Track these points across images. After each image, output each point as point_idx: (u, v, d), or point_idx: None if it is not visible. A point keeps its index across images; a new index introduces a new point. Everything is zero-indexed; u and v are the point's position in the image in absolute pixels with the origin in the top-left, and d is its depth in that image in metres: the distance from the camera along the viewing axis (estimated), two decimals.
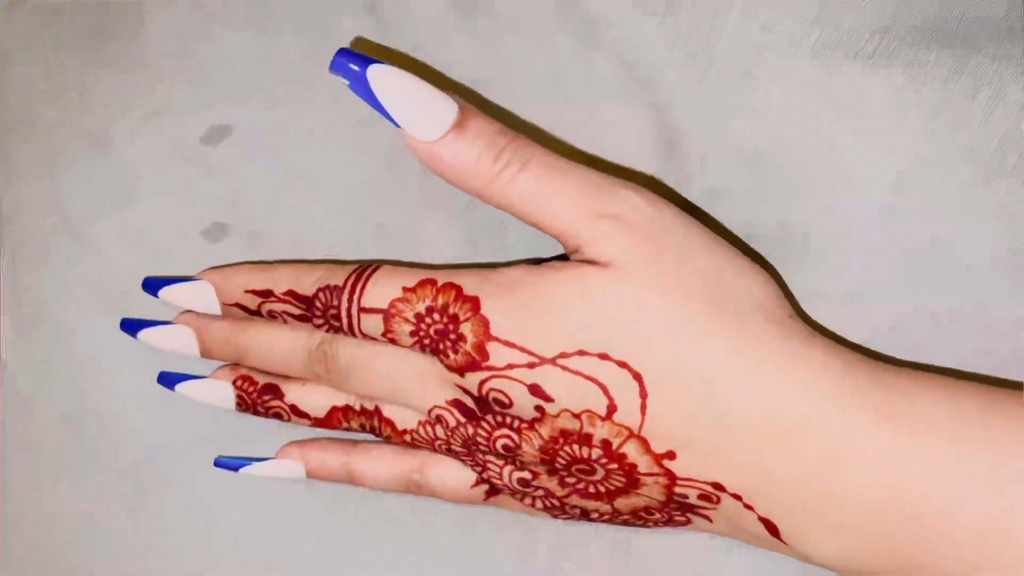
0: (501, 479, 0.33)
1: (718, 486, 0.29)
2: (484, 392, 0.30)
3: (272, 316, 0.33)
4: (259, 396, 0.35)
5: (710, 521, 0.31)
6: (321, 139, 0.36)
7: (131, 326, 0.36)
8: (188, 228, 0.37)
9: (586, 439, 0.30)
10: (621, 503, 0.31)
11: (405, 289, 0.31)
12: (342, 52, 0.29)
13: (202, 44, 0.37)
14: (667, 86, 0.33)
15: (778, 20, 0.33)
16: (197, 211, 0.37)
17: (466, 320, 0.30)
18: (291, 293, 0.32)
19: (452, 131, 0.29)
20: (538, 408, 0.30)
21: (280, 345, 0.34)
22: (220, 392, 0.35)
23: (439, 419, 0.32)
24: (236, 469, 0.36)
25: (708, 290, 0.29)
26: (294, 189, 0.36)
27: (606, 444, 0.30)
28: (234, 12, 0.37)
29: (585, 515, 0.33)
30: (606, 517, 0.32)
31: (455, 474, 0.34)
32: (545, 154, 0.29)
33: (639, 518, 0.32)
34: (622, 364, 0.29)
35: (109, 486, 0.37)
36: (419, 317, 0.31)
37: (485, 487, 0.34)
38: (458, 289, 0.30)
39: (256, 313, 0.33)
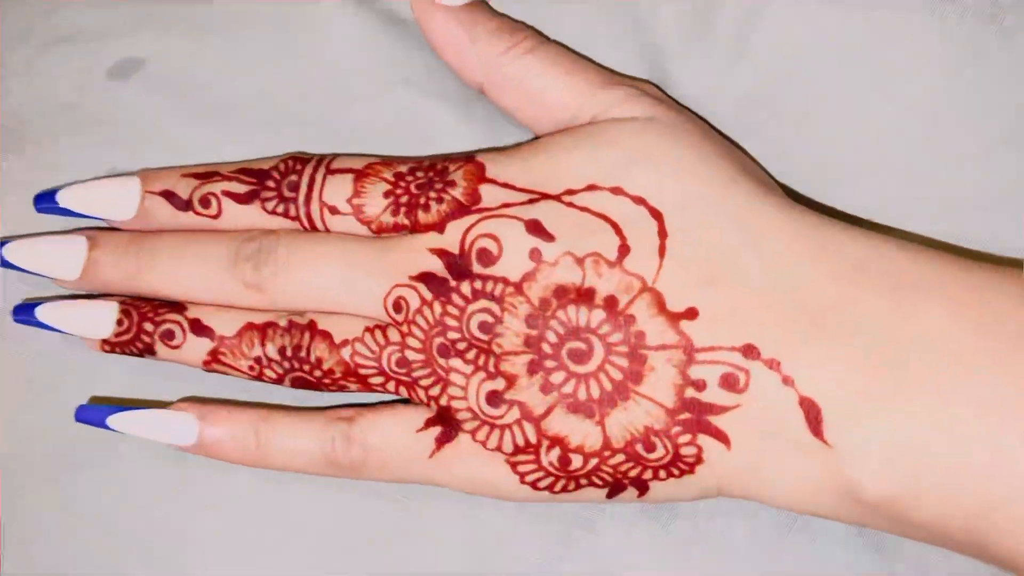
0: (466, 398, 0.25)
1: (750, 349, 0.24)
2: (468, 243, 0.25)
3: (206, 204, 0.27)
4: (154, 311, 0.27)
5: (728, 445, 0.24)
6: (252, 79, 0.30)
7: None
8: (82, 176, 0.30)
9: (587, 297, 0.24)
10: (616, 424, 0.24)
11: (386, 158, 0.27)
12: None
13: None
14: (663, 27, 0.30)
15: None
16: (94, 157, 0.30)
17: (457, 168, 0.26)
18: (244, 170, 0.28)
19: (472, 3, 0.28)
20: (534, 254, 0.25)
21: (196, 246, 0.27)
22: (101, 310, 0.27)
23: (398, 305, 0.25)
24: (101, 422, 0.27)
25: (733, 156, 0.27)
26: (212, 132, 0.30)
27: (611, 303, 0.24)
28: None
29: (564, 465, 0.25)
30: (592, 462, 0.25)
31: (398, 417, 0.26)
32: (559, 45, 0.29)
33: (635, 459, 0.25)
34: (639, 200, 0.25)
35: None
36: (399, 176, 0.27)
37: (437, 430, 0.26)
38: (449, 154, 0.27)
39: (186, 206, 0.27)
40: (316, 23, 0.30)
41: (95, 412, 0.27)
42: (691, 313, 0.24)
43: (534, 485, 0.25)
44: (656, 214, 0.25)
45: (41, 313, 0.27)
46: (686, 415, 0.24)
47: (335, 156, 0.28)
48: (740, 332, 0.24)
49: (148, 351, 0.27)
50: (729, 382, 0.24)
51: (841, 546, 0.27)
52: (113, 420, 0.27)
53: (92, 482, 0.28)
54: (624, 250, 0.25)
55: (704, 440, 0.24)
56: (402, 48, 0.30)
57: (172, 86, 0.30)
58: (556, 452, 0.25)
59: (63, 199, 0.28)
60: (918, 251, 0.24)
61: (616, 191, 0.25)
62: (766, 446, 0.24)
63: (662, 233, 0.25)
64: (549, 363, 0.25)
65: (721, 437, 0.24)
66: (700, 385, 0.24)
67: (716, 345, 0.24)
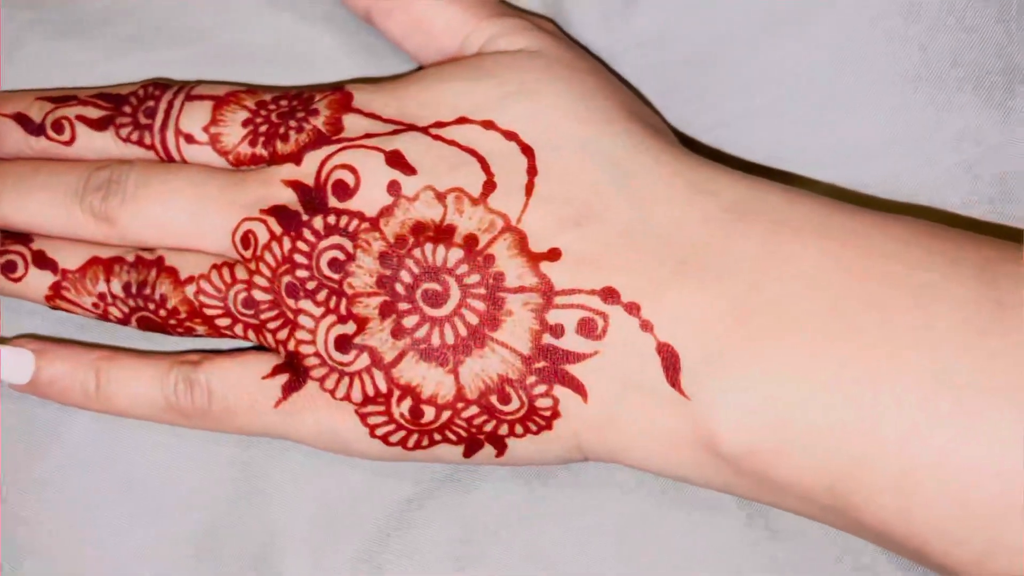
0: (314, 342, 0.23)
1: (609, 292, 0.22)
2: (324, 175, 0.23)
3: (58, 129, 0.25)
4: None
5: (584, 397, 0.22)
6: None
7: None
8: None
9: (446, 234, 0.23)
10: (470, 372, 0.22)
11: (252, 88, 0.25)
12: None
13: None
14: None
15: None
16: None
17: (323, 98, 0.24)
18: (101, 95, 0.26)
19: None
20: (393, 187, 0.23)
21: (45, 174, 0.25)
22: None
23: (246, 239, 0.24)
24: None
25: (619, 96, 0.25)
26: (79, 50, 0.28)
27: (470, 242, 0.22)
28: None
29: (416, 417, 0.23)
30: (445, 415, 0.23)
31: (244, 364, 0.24)
32: None
33: (490, 412, 0.23)
34: (510, 135, 0.23)
35: None
36: (261, 104, 0.25)
37: (284, 378, 0.24)
38: (319, 88, 0.25)
39: (38, 131, 0.25)
40: None
41: None
42: (553, 254, 0.22)
43: (385, 439, 0.23)
44: (527, 150, 0.23)
45: None
46: (542, 363, 0.22)
47: (198, 83, 0.26)
48: (602, 275, 0.22)
49: None
50: (587, 327, 0.22)
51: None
52: None
53: None
54: (489, 186, 0.23)
55: (560, 391, 0.22)
56: None
57: (37, 0, 0.28)
58: (408, 403, 0.23)
59: None
60: (799, 195, 0.23)
61: (487, 125, 0.23)
62: (625, 397, 0.22)
63: (531, 170, 0.23)
64: (402, 305, 0.23)
65: (577, 387, 0.22)
66: (557, 331, 0.22)
67: (575, 288, 0.22)
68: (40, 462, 0.26)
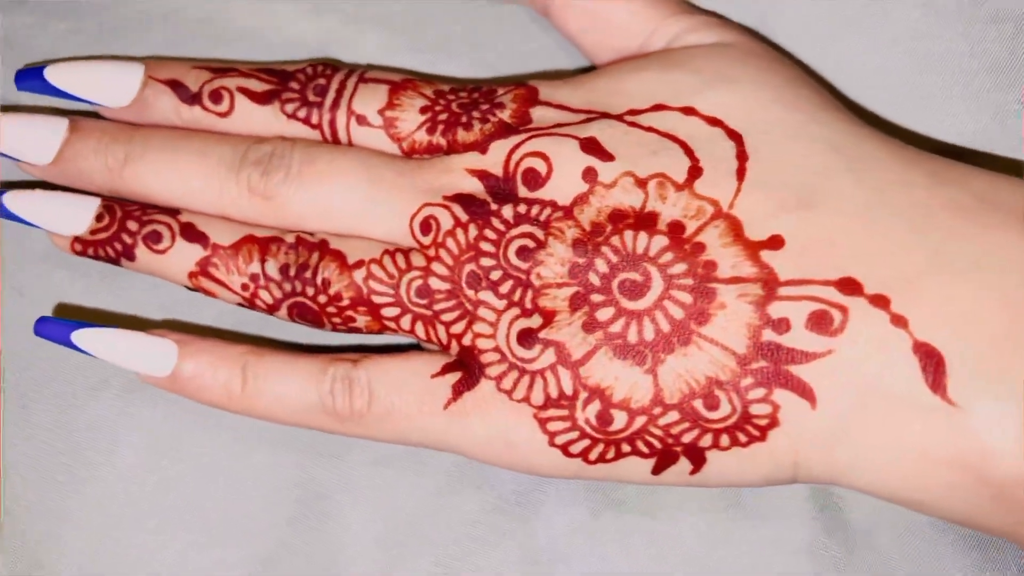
0: (495, 336, 0.21)
1: (849, 283, 0.19)
2: (514, 164, 0.22)
3: (216, 99, 0.24)
4: (140, 208, 0.23)
5: (812, 403, 0.19)
6: (154, 1, 0.27)
7: None
8: None
9: (647, 222, 0.21)
10: (671, 373, 0.20)
11: (428, 79, 0.24)
12: None
13: None
14: None
15: None
16: None
17: (507, 92, 0.23)
18: (265, 69, 0.24)
19: None
20: (588, 174, 0.21)
21: (197, 142, 0.23)
22: (79, 202, 0.23)
23: (426, 225, 0.22)
24: (65, 338, 0.23)
25: (820, 89, 0.23)
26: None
27: (676, 229, 0.20)
28: None
29: (604, 423, 0.20)
30: (638, 421, 0.20)
31: (408, 362, 0.22)
32: None
33: (692, 419, 0.20)
34: (714, 120, 0.21)
35: None
36: (440, 93, 0.23)
37: (456, 375, 0.22)
38: (497, 83, 0.24)
39: (193, 100, 0.24)
40: None
41: (58, 327, 0.23)
42: (775, 241, 0.20)
43: (565, 449, 0.21)
44: (734, 135, 0.21)
45: (9, 201, 0.24)
46: (761, 363, 0.20)
47: (370, 67, 0.25)
48: (836, 264, 0.20)
49: (126, 254, 0.23)
50: (820, 322, 0.19)
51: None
52: (79, 337, 0.23)
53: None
54: (695, 171, 0.21)
55: (782, 396, 0.20)
56: None
57: (75, 8, 0.27)
58: (595, 406, 0.21)
59: (51, 74, 0.24)
60: None
61: (687, 111, 0.22)
62: (864, 405, 0.19)
63: (741, 156, 0.21)
64: (596, 297, 0.21)
65: (805, 392, 0.20)
66: (781, 326, 0.20)
67: (806, 278, 0.20)
68: (92, 487, 0.24)
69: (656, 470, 0.21)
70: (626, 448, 0.21)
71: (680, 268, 0.20)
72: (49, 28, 0.27)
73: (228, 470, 0.24)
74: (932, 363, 0.19)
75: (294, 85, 0.24)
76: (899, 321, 0.19)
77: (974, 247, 0.19)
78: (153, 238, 0.23)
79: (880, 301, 0.19)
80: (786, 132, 0.21)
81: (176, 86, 0.24)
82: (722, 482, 0.21)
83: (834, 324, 0.19)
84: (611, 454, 0.21)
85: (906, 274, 0.19)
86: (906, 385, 0.19)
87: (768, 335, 0.20)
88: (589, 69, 0.26)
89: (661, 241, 0.21)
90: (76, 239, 0.23)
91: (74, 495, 0.24)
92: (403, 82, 0.24)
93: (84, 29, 0.27)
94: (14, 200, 0.24)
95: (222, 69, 0.24)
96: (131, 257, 0.23)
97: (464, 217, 0.22)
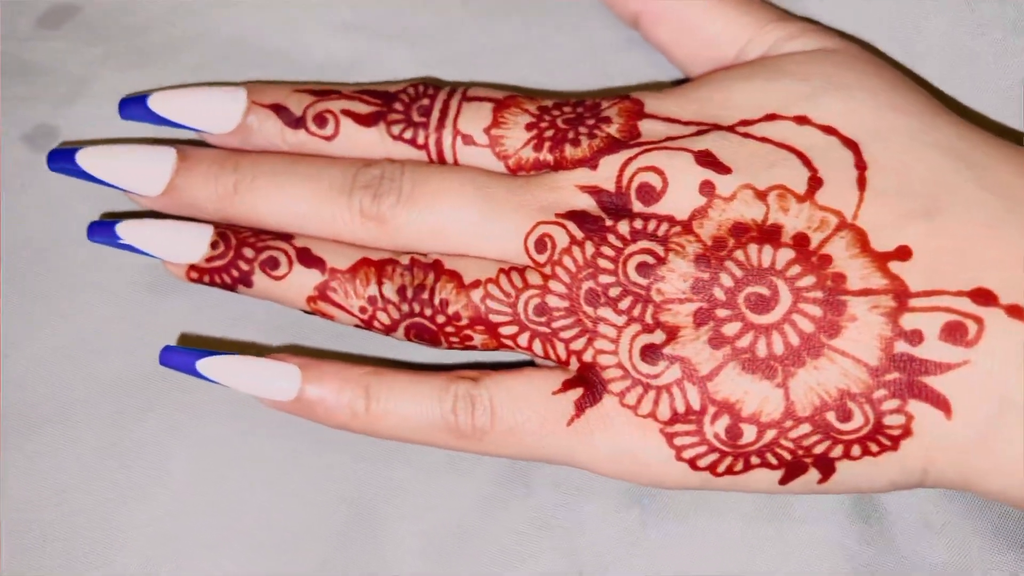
0: (616, 352, 0.21)
1: (983, 294, 0.19)
2: (627, 180, 0.22)
3: (321, 123, 0.24)
4: (254, 235, 0.24)
5: (948, 413, 0.19)
6: (191, 22, 0.27)
7: (64, 155, 0.24)
8: (8, 130, 0.27)
9: (771, 235, 0.21)
10: (802, 386, 0.20)
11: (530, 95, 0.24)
12: None
13: None
14: None
15: None
16: (21, 109, 0.27)
17: (612, 105, 0.23)
18: (367, 91, 0.24)
19: None
20: (706, 187, 0.21)
21: (305, 167, 0.24)
22: (193, 231, 0.24)
23: (541, 243, 0.22)
24: (191, 367, 0.23)
25: (930, 95, 0.23)
26: (149, 83, 0.27)
27: (801, 241, 0.20)
28: None
29: (734, 438, 0.21)
30: (769, 434, 0.20)
31: (529, 378, 0.22)
32: None
33: (824, 431, 0.20)
34: (828, 129, 0.21)
35: None
36: (544, 109, 0.23)
37: (577, 392, 0.22)
38: (601, 96, 0.24)
39: (298, 124, 0.24)
40: None
41: (183, 356, 0.23)
42: (903, 252, 0.20)
43: (693, 463, 0.21)
44: (850, 144, 0.21)
45: (123, 231, 0.24)
46: (894, 375, 0.20)
47: (472, 84, 0.25)
48: (968, 273, 0.20)
49: (243, 281, 0.23)
50: (955, 333, 0.19)
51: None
52: (204, 366, 0.23)
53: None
54: (816, 182, 0.21)
55: (916, 407, 0.20)
56: None
57: (107, 33, 0.28)
58: (724, 421, 0.21)
59: (155, 103, 0.24)
60: None
61: (801, 120, 0.22)
62: (1003, 415, 0.19)
63: (860, 165, 0.21)
64: (721, 312, 0.21)
65: (940, 403, 0.20)
66: (914, 337, 0.20)
67: (938, 288, 0.20)
68: (144, 506, 0.24)
69: (784, 480, 0.21)
70: (755, 460, 0.21)
71: (808, 281, 0.20)
72: (83, 53, 0.27)
73: (277, 483, 0.25)
74: None
75: (398, 106, 0.24)
76: None
77: None
78: (270, 264, 0.23)
79: (1017, 311, 0.19)
80: (902, 138, 0.21)
81: (279, 110, 0.24)
82: (848, 489, 0.21)
83: (969, 335, 0.19)
84: (739, 466, 0.21)
85: None
86: None
87: (901, 347, 0.20)
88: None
89: (787, 254, 0.21)
90: (192, 267, 0.24)
91: (125, 513, 0.24)
92: (507, 99, 0.24)
93: (117, 53, 0.27)
94: (128, 230, 0.24)
95: (324, 91, 0.24)
96: (248, 284, 0.23)
97: (580, 234, 0.22)
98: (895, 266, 0.20)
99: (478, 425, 0.22)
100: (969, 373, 0.19)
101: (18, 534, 0.24)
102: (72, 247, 0.26)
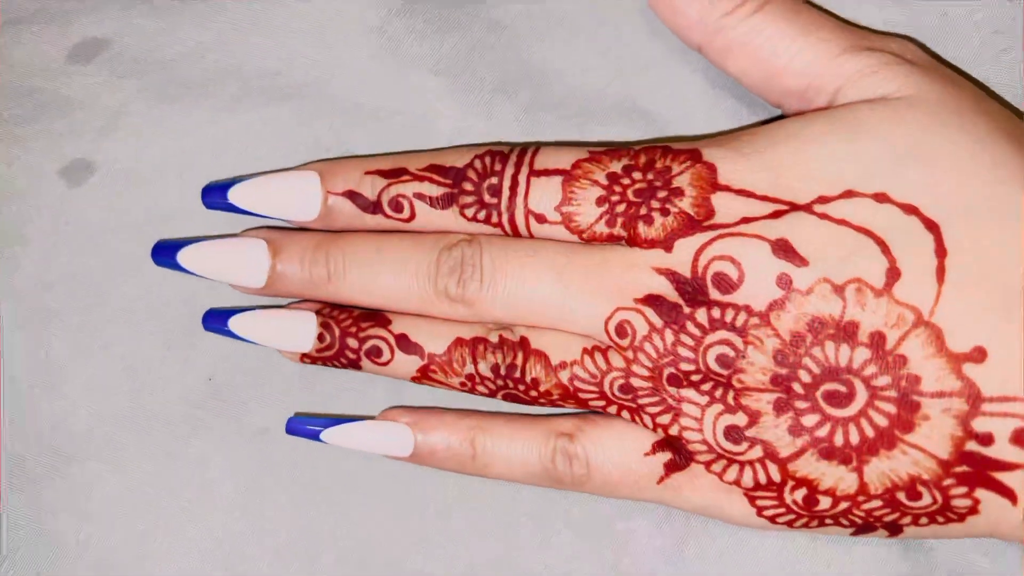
0: (701, 430, 0.23)
1: None
2: (702, 267, 0.22)
3: (397, 208, 0.25)
4: (355, 324, 0.25)
5: (1014, 502, 0.21)
6: (222, 55, 0.28)
7: (166, 251, 0.26)
8: (44, 165, 0.28)
9: (848, 333, 0.21)
10: (875, 472, 0.22)
11: (593, 152, 0.24)
12: None
13: None
14: None
15: None
16: (56, 144, 0.28)
17: (683, 171, 0.23)
18: (434, 167, 0.25)
19: None
20: (783, 280, 0.21)
21: (392, 253, 0.25)
22: (300, 323, 0.26)
23: (621, 329, 0.23)
24: (316, 435, 0.26)
25: (1016, 135, 0.22)
26: (182, 117, 0.28)
27: (877, 340, 0.21)
28: None
29: (810, 505, 0.23)
30: (842, 505, 0.22)
31: (622, 437, 0.24)
32: None
33: (894, 506, 0.22)
34: (909, 208, 0.21)
35: None
36: (613, 177, 0.23)
37: (666, 456, 0.24)
38: (667, 147, 0.23)
39: (374, 208, 0.25)
40: None
41: (307, 425, 0.26)
42: (978, 354, 0.20)
43: (772, 519, 0.23)
44: (932, 226, 0.21)
45: (235, 325, 0.26)
46: (964, 468, 0.21)
47: (537, 149, 0.24)
48: None
49: (353, 366, 0.26)
50: None
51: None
52: (328, 435, 0.26)
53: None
54: (894, 274, 0.21)
55: (984, 494, 0.21)
56: (390, 16, 0.27)
57: (138, 67, 0.28)
58: (802, 492, 0.23)
59: (236, 197, 0.25)
60: None
61: (881, 198, 0.21)
62: None
63: (940, 252, 0.21)
64: (800, 404, 0.22)
65: (1007, 493, 0.21)
66: (986, 439, 0.21)
67: (1010, 396, 0.20)
68: (191, 531, 0.27)
69: (855, 535, 0.23)
70: (829, 522, 0.23)
71: (884, 380, 0.21)
72: (115, 87, 0.28)
73: (325, 505, 0.27)
74: None
75: (468, 187, 0.24)
76: None
77: None
78: (374, 353, 0.25)
79: None
80: (986, 217, 0.21)
81: (355, 196, 0.25)
82: (919, 537, 0.23)
83: None
84: (815, 524, 0.23)
85: None
86: None
87: (971, 446, 0.21)
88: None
89: (864, 354, 0.21)
90: (304, 355, 0.26)
91: (173, 540, 0.27)
92: (574, 171, 0.23)
93: (149, 86, 0.28)
94: (240, 324, 0.26)
95: (395, 171, 0.25)
96: (359, 368, 0.25)
97: (659, 323, 0.23)
98: (969, 369, 0.20)
99: (576, 477, 0.25)
100: None
101: (69, 563, 0.27)
102: (113, 280, 0.27)
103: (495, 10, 0.27)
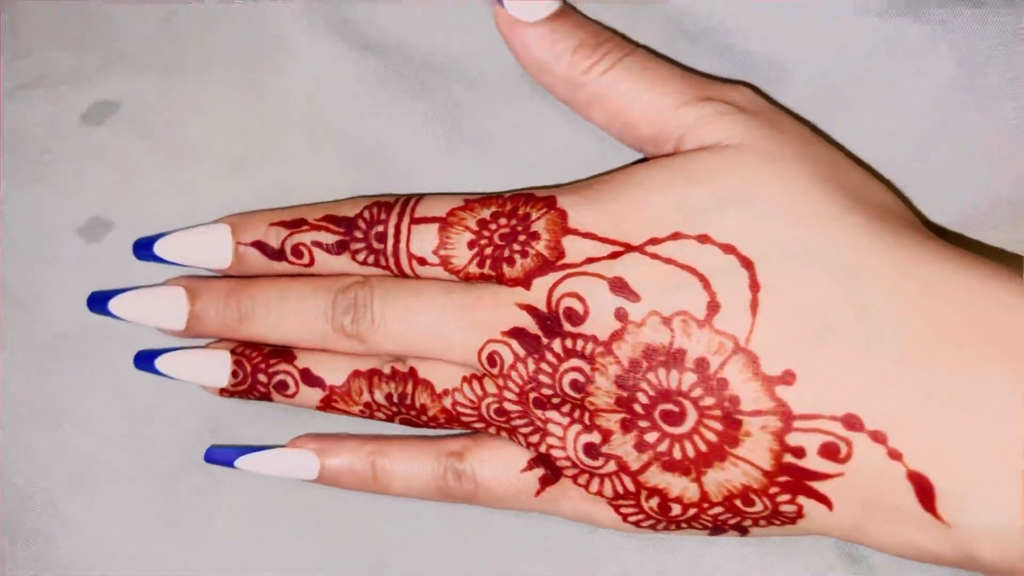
0: (564, 448, 0.26)
1: (852, 419, 0.22)
2: (556, 302, 0.25)
3: (298, 255, 0.28)
4: (264, 361, 0.29)
5: (829, 507, 0.23)
6: (224, 117, 0.30)
7: (100, 300, 0.29)
8: (61, 224, 0.30)
9: (677, 359, 0.24)
10: (713, 481, 0.24)
11: (467, 200, 0.27)
12: None
13: (85, 5, 0.31)
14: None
15: None
16: (72, 204, 0.30)
17: (540, 217, 0.25)
18: (329, 217, 0.28)
19: (554, 17, 0.26)
20: (620, 314, 0.24)
21: (294, 296, 0.28)
22: (215, 362, 0.29)
23: (492, 359, 0.26)
24: (231, 463, 0.29)
25: (836, 180, 0.24)
26: (190, 177, 0.30)
27: (701, 365, 0.23)
28: None
29: (665, 511, 0.25)
30: (691, 511, 0.25)
31: (502, 455, 0.27)
32: (645, 53, 0.26)
33: (734, 511, 0.24)
34: (727, 247, 0.23)
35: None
36: (482, 223, 0.26)
37: (540, 472, 0.27)
38: (529, 194, 0.26)
39: (278, 256, 0.28)
40: (286, 56, 0.30)
41: (224, 454, 0.29)
42: (788, 377, 0.23)
43: (637, 524, 0.26)
44: (747, 264, 0.23)
45: (161, 364, 0.29)
46: (785, 478, 0.23)
47: (419, 199, 0.27)
48: (841, 399, 0.22)
49: (265, 398, 0.29)
50: (830, 452, 0.23)
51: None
52: (241, 461, 0.29)
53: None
54: (714, 307, 0.23)
55: (805, 500, 0.24)
56: (377, 77, 0.29)
57: (147, 128, 0.30)
58: (656, 500, 0.25)
59: (160, 250, 0.29)
60: None
61: (703, 239, 0.24)
62: (874, 514, 0.23)
63: (754, 286, 0.23)
64: (642, 423, 0.24)
65: (823, 500, 0.23)
66: (799, 452, 0.23)
67: (815, 413, 0.23)
68: (192, 560, 0.30)
69: (711, 535, 0.26)
70: (684, 526, 0.25)
71: (709, 401, 0.24)
72: (127, 148, 0.30)
73: (322, 535, 0.30)
74: (924, 490, 0.22)
75: (358, 234, 0.27)
76: (895, 455, 0.22)
77: (961, 385, 0.22)
78: (281, 387, 0.28)
79: (879, 436, 0.22)
80: (796, 254, 0.23)
81: (261, 246, 0.28)
82: (765, 535, 0.25)
83: (841, 454, 0.23)
84: (673, 527, 0.26)
85: (901, 412, 0.22)
86: (905, 503, 0.22)
87: (788, 458, 0.23)
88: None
89: (691, 378, 0.24)
90: (222, 389, 0.29)
91: (177, 570, 0.30)
92: (448, 218, 0.26)
93: (159, 147, 0.30)
94: (164, 363, 0.29)
95: (294, 222, 0.28)
96: (270, 399, 0.29)
97: (522, 352, 0.25)
98: (781, 390, 0.23)
99: (466, 491, 0.28)
100: (843, 482, 0.23)
101: None
102: (124, 327, 0.30)
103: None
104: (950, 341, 0.22)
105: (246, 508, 0.30)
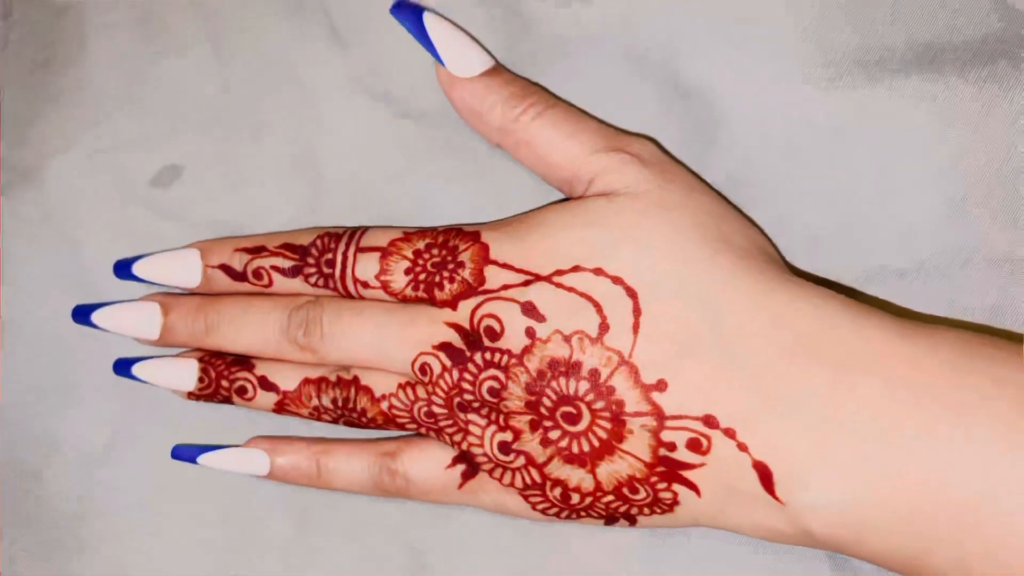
0: (482, 445, 0.30)
1: (710, 419, 0.27)
2: (477, 321, 0.29)
3: (258, 277, 0.32)
4: (227, 368, 0.33)
5: (698, 493, 0.28)
6: (281, 176, 0.35)
7: (83, 312, 0.34)
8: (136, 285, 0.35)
9: (575, 369, 0.28)
10: (604, 472, 0.29)
11: (406, 233, 0.31)
12: (398, 3, 0.32)
13: (150, 73, 0.35)
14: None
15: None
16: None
17: (466, 249, 0.30)
18: (286, 245, 0.32)
19: (487, 73, 0.31)
20: (529, 332, 0.29)
21: (255, 312, 0.32)
22: (184, 369, 0.33)
23: (423, 369, 0.30)
24: (194, 459, 0.34)
25: (712, 225, 0.29)
26: (251, 232, 0.35)
27: (594, 375, 0.28)
28: (184, 38, 0.35)
29: (566, 500, 0.30)
30: (588, 499, 0.30)
31: (430, 454, 0.32)
32: (566, 106, 0.31)
33: (623, 499, 0.29)
34: (616, 279, 0.28)
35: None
36: (417, 253, 0.31)
37: (462, 467, 0.31)
38: (459, 229, 0.31)
39: (241, 277, 0.33)
40: (330, 120, 0.34)
41: (188, 451, 0.34)
42: (661, 385, 0.28)
43: (544, 512, 0.31)
44: (631, 292, 0.28)
45: (137, 370, 0.34)
46: (661, 468, 0.28)
47: (363, 232, 0.32)
48: (701, 403, 0.27)
49: (227, 401, 0.33)
50: (694, 445, 0.28)
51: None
52: (203, 458, 0.33)
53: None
54: (604, 328, 0.28)
55: (678, 487, 0.28)
56: (415, 140, 0.34)
57: (208, 190, 0.35)
58: (559, 490, 0.30)
59: (138, 270, 0.33)
60: (865, 323, 0.27)
61: (598, 272, 0.29)
62: (731, 497, 0.28)
63: (636, 311, 0.28)
64: (547, 423, 0.29)
65: (691, 487, 0.28)
66: (671, 446, 0.28)
67: (682, 414, 0.28)
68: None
69: (606, 523, 0.30)
70: (583, 514, 0.30)
71: (600, 404, 0.28)
72: (194, 208, 0.35)
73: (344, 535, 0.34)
74: (765, 476, 0.27)
75: (311, 260, 0.32)
76: (742, 447, 0.27)
77: (791, 392, 0.27)
78: (241, 391, 0.33)
79: (730, 433, 0.27)
80: (671, 288, 0.28)
81: (226, 269, 0.32)
82: (653, 526, 0.30)
83: (703, 447, 0.28)
84: (574, 516, 0.30)
85: (745, 414, 0.27)
86: (752, 488, 0.27)
87: (663, 452, 0.28)
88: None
89: (585, 385, 0.28)
90: (189, 393, 0.33)
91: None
92: (388, 248, 0.31)
93: (221, 208, 0.35)
94: (139, 369, 0.33)
95: (256, 248, 0.32)
96: (231, 402, 0.33)
97: (448, 363, 0.30)
98: (656, 395, 0.28)
99: (399, 487, 0.32)
100: (707, 470, 0.28)
101: None
102: None
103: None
104: (786, 356, 0.27)
105: (300, 509, 0.34)
